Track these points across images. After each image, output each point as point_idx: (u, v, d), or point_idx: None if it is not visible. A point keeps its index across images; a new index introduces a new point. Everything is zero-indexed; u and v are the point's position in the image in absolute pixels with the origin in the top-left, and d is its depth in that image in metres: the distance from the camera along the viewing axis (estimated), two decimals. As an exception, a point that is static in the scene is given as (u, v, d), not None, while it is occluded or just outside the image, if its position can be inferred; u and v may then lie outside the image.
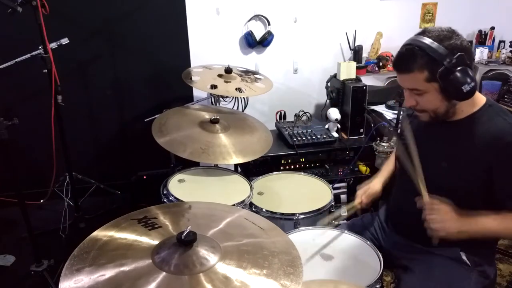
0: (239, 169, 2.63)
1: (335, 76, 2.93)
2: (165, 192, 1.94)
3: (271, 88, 2.54)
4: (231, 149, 2.04)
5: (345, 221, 1.82)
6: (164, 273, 1.03)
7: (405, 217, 1.64)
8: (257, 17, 3.06)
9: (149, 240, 1.16)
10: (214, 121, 2.16)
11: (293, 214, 1.89)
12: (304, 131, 2.76)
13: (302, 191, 2.15)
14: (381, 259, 1.51)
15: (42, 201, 3.02)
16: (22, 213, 2.06)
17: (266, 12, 3.06)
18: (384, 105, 2.87)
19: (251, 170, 2.55)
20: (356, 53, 3.19)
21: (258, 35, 3.05)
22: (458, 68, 1.29)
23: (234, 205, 1.85)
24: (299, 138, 2.66)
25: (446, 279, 1.42)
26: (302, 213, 1.89)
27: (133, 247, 1.13)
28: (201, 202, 1.51)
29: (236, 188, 2.02)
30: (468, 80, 1.30)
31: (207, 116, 2.23)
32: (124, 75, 3.05)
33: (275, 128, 2.92)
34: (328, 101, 3.05)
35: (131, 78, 3.07)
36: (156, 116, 2.24)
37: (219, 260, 1.09)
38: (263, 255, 1.13)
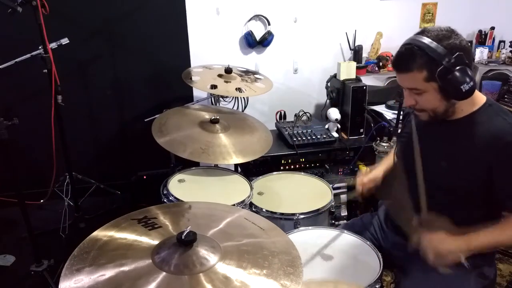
0: (239, 169, 2.63)
1: (335, 76, 2.93)
2: (165, 192, 1.94)
3: (271, 88, 2.54)
4: (231, 149, 2.05)
5: (345, 221, 1.82)
6: (164, 273, 1.03)
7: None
8: (257, 17, 3.06)
9: (149, 240, 1.16)
10: (214, 121, 2.16)
11: (293, 214, 1.89)
12: (304, 131, 2.76)
13: (302, 191, 2.15)
14: (381, 259, 1.51)
15: (42, 201, 3.02)
16: (22, 213, 2.06)
17: (266, 12, 3.06)
18: (384, 105, 2.87)
19: (251, 170, 2.55)
20: (356, 53, 3.19)
21: (258, 35, 3.06)
22: (457, 68, 1.29)
23: (234, 205, 1.85)
24: (299, 138, 2.66)
25: (445, 280, 1.42)
26: (302, 213, 1.89)
27: (133, 247, 1.13)
28: (201, 202, 1.51)
29: (236, 188, 2.02)
30: (467, 79, 1.30)
31: (207, 116, 2.23)
32: (124, 75, 3.05)
33: (275, 128, 2.92)
34: (328, 101, 3.05)
35: (131, 78, 3.07)
36: (156, 116, 2.24)
37: (219, 260, 1.09)
38: (263, 255, 1.13)
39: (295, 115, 2.91)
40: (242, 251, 1.13)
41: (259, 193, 2.09)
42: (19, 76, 2.66)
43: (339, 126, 2.82)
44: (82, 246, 1.12)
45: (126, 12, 2.91)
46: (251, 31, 3.03)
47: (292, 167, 2.64)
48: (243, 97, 3.04)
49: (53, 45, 2.32)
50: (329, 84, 3.00)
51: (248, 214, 1.37)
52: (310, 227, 1.75)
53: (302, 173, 2.33)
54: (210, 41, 3.06)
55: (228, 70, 2.51)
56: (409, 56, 1.34)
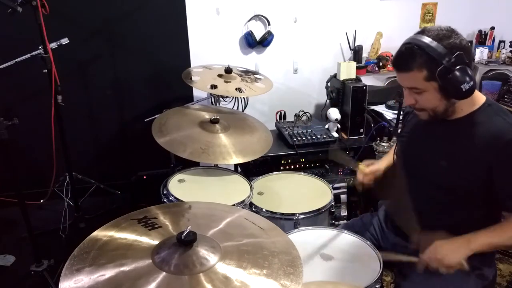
0: (239, 169, 2.63)
1: (335, 76, 2.93)
2: (165, 192, 1.94)
3: (271, 88, 2.54)
4: (231, 149, 2.05)
5: (345, 221, 1.82)
6: (164, 273, 1.03)
7: (404, 217, 1.64)
8: (257, 17, 3.06)
9: (149, 240, 1.16)
10: (214, 121, 2.16)
11: (293, 214, 1.89)
12: (304, 131, 2.76)
13: (302, 191, 2.15)
14: (381, 259, 1.51)
15: (42, 201, 3.02)
16: (22, 213, 2.06)
17: (266, 12, 3.06)
18: (384, 105, 2.87)
19: (251, 170, 2.55)
20: (356, 53, 3.19)
21: (258, 35, 3.05)
22: (457, 67, 1.29)
23: (234, 205, 1.85)
24: (299, 138, 2.66)
25: (446, 280, 1.42)
26: (302, 213, 1.89)
27: (133, 247, 1.13)
28: (201, 202, 1.51)
29: (236, 188, 2.02)
30: (467, 79, 1.30)
31: (207, 116, 2.23)
32: (124, 75, 3.05)
33: (275, 128, 2.92)
34: (328, 101, 3.05)
35: (131, 78, 3.07)
36: (156, 116, 2.24)
37: (219, 260, 1.09)
38: (263, 255, 1.13)
39: (295, 115, 2.91)
40: (242, 251, 1.13)
41: (259, 193, 2.09)
42: (19, 76, 2.66)
43: (339, 126, 2.82)
44: (82, 246, 1.12)
45: (126, 12, 2.90)
46: (251, 31, 3.03)
47: (292, 167, 2.64)
48: (243, 97, 3.04)
49: (53, 45, 2.32)
50: (329, 84, 3.00)
51: (248, 214, 1.37)
52: (310, 227, 1.74)
53: (302, 173, 2.33)
54: (210, 41, 3.06)
55: (228, 70, 2.51)
56: (409, 55, 1.34)
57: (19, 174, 2.09)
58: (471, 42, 3.42)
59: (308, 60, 3.26)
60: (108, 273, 1.03)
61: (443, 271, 1.37)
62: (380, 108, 2.84)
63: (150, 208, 1.33)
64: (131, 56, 3.00)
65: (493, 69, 3.24)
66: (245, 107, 3.08)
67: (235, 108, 3.03)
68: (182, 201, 1.84)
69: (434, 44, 1.30)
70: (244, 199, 1.92)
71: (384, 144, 2.43)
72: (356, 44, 3.20)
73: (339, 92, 2.84)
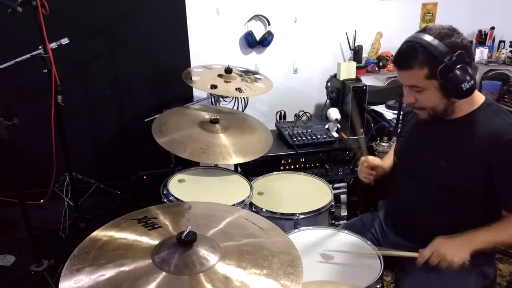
0: (239, 169, 2.63)
1: (335, 76, 2.93)
2: (165, 192, 1.94)
3: (271, 88, 2.54)
4: (231, 149, 2.04)
5: (345, 221, 1.82)
6: (164, 273, 1.03)
7: (404, 217, 1.64)
8: (257, 17, 3.06)
9: (149, 240, 1.16)
10: (214, 121, 2.16)
11: (293, 214, 1.89)
12: (304, 131, 2.76)
13: (302, 191, 2.15)
14: (381, 259, 1.51)
15: (42, 201, 3.02)
16: (22, 213, 2.06)
17: (266, 12, 3.06)
18: (384, 105, 2.87)
19: (251, 170, 2.55)
20: (356, 53, 3.19)
21: (258, 35, 3.05)
22: (458, 66, 1.29)
23: (234, 205, 1.85)
24: (299, 138, 2.66)
25: (446, 279, 1.42)
26: (302, 213, 1.89)
27: (133, 247, 1.13)
28: (201, 202, 1.51)
29: (236, 188, 2.02)
30: (468, 78, 1.30)
31: (207, 116, 2.23)
32: (124, 75, 3.05)
33: (275, 128, 2.92)
34: (328, 101, 3.04)
35: (131, 78, 3.07)
36: (156, 116, 2.24)
37: (219, 260, 1.09)
38: (263, 255, 1.12)
39: (295, 115, 2.91)
40: (242, 251, 1.13)
41: (259, 193, 2.09)
42: (19, 76, 2.66)
43: (339, 126, 2.82)
44: (82, 246, 1.12)
45: (126, 12, 2.90)
46: (251, 31, 3.03)
47: (292, 167, 2.63)
48: (243, 97, 3.04)
49: (53, 45, 2.32)
50: (329, 84, 3.00)
51: (248, 214, 1.37)
52: (310, 227, 1.74)
53: (302, 173, 2.33)
54: (210, 41, 3.06)
55: (228, 70, 2.51)
56: (410, 53, 1.34)
57: (19, 174, 2.09)
58: (471, 42, 3.41)
59: (308, 60, 3.26)
60: (108, 273, 1.03)
61: (445, 268, 1.37)
62: (380, 108, 2.84)
63: (150, 208, 1.33)
64: (131, 56, 3.00)
65: (493, 69, 3.23)
66: (245, 107, 3.08)
67: (235, 108, 3.03)
68: (182, 201, 1.84)
69: (435, 42, 1.30)
70: (244, 199, 1.92)
71: (384, 144, 2.43)
72: (356, 44, 3.20)
73: (339, 92, 2.84)
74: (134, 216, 1.27)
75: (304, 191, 2.14)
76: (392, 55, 3.20)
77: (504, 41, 3.41)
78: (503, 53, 3.34)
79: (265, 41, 3.05)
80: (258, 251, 1.14)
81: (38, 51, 2.28)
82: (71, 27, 2.75)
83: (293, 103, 3.17)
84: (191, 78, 2.47)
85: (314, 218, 1.91)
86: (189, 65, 3.04)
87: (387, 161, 1.80)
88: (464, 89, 1.31)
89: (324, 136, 2.71)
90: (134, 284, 1.00)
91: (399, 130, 1.87)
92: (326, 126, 2.83)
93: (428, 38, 1.31)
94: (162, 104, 2.62)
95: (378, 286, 1.41)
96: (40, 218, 2.80)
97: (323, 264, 1.52)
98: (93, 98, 3.08)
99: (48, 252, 2.25)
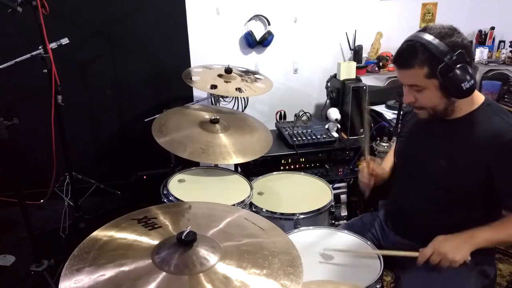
0: (239, 169, 2.63)
1: (335, 76, 2.93)
2: (165, 192, 1.94)
3: (271, 88, 2.54)
4: (231, 149, 2.04)
5: (345, 221, 1.82)
6: (164, 273, 1.03)
7: (404, 217, 1.64)
8: (257, 17, 3.06)
9: (149, 240, 1.16)
10: (214, 121, 2.16)
11: (293, 214, 1.89)
12: (304, 131, 2.76)
13: (302, 191, 2.15)
14: (381, 259, 1.50)
15: (42, 201, 3.02)
16: (22, 213, 2.06)
17: (266, 12, 3.06)
18: (384, 105, 2.86)
19: (251, 170, 2.55)
20: (356, 53, 3.19)
21: (258, 35, 3.05)
22: (458, 65, 1.29)
23: (234, 205, 1.85)
24: (299, 138, 2.66)
25: (446, 279, 1.42)
26: (302, 213, 1.89)
27: (133, 247, 1.13)
28: (201, 202, 1.51)
29: (236, 188, 2.02)
30: (468, 77, 1.30)
31: (207, 116, 2.23)
32: (124, 75, 3.05)
33: (275, 128, 2.92)
34: (328, 101, 3.05)
35: (131, 78, 3.07)
36: (156, 116, 2.24)
37: (219, 260, 1.09)
38: (263, 255, 1.12)
39: (295, 115, 2.91)
40: (242, 251, 1.13)
41: (259, 193, 2.09)
42: (19, 76, 2.66)
43: (339, 126, 2.82)
44: (82, 246, 1.12)
45: (126, 12, 2.91)
46: (251, 31, 3.03)
47: (292, 167, 2.63)
48: (243, 97, 3.04)
49: (53, 45, 2.32)
50: (329, 84, 3.00)
51: (248, 214, 1.37)
52: (310, 227, 1.74)
53: (302, 173, 2.33)
54: (210, 41, 3.06)
55: (228, 70, 2.51)
56: (411, 52, 1.34)
57: (19, 174, 2.09)
58: (471, 42, 3.41)
59: (308, 60, 3.26)
60: (108, 273, 1.03)
61: (446, 266, 1.37)
62: (380, 108, 2.84)
63: (150, 208, 1.33)
64: (131, 56, 3.00)
65: (493, 69, 3.23)
66: (245, 107, 3.08)
67: (235, 108, 3.03)
68: (182, 201, 1.84)
69: (436, 41, 1.30)
70: (244, 199, 1.92)
71: (384, 144, 2.43)
72: (356, 44, 3.20)
73: (339, 92, 2.84)
74: (134, 216, 1.27)
75: (304, 191, 2.14)
76: (392, 55, 3.20)
77: (504, 41, 3.41)
78: (503, 53, 3.34)
79: (265, 41, 3.05)
80: (258, 251, 1.14)
81: (38, 51, 2.28)
82: (71, 27, 2.75)
83: (293, 103, 3.17)
84: (191, 78, 2.47)
85: (314, 218, 1.91)
86: (189, 65, 3.04)
87: (387, 166, 1.79)
88: (464, 88, 1.31)
89: (324, 136, 2.71)
90: (134, 284, 1.00)
91: (399, 130, 1.87)
92: (326, 126, 2.83)
93: (428, 37, 1.31)
94: (162, 104, 2.62)
95: (378, 286, 1.41)
96: (40, 218, 2.80)
97: (323, 264, 1.52)
98: (93, 98, 3.08)
99: (48, 252, 2.25)
